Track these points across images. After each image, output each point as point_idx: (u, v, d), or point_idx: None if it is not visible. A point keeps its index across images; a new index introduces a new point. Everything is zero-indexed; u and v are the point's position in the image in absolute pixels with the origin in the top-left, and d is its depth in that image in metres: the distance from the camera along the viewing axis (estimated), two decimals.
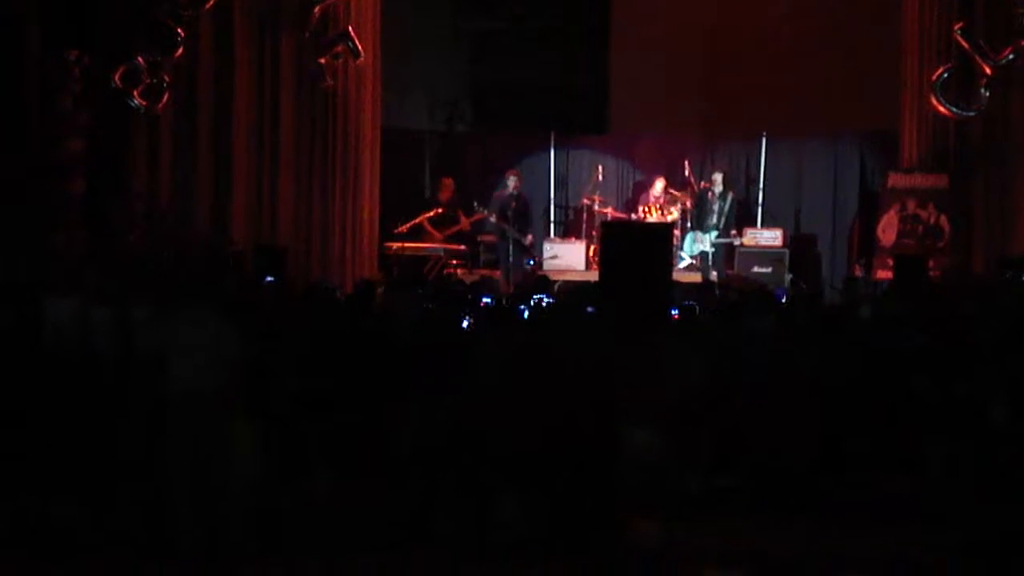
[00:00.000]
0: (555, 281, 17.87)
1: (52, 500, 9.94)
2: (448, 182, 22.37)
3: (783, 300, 15.44)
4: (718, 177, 21.97)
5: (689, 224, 21.94)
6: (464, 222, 21.88)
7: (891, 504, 10.26)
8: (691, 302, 14.71)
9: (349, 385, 10.33)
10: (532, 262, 21.81)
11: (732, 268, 21.36)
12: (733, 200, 21.80)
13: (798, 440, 10.17)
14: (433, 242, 21.50)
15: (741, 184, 23.05)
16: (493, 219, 21.80)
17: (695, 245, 21.54)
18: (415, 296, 13.23)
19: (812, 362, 11.01)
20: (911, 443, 10.42)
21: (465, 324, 11.95)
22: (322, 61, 20.40)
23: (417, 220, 21.65)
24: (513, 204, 21.89)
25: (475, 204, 21.88)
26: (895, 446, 10.48)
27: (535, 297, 14.30)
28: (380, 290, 15.60)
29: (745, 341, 11.45)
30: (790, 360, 11.03)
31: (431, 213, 21.78)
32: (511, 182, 22.05)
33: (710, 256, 21.44)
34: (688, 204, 22.01)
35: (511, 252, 21.69)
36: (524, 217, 22.20)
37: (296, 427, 9.96)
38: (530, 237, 22.11)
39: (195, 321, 9.51)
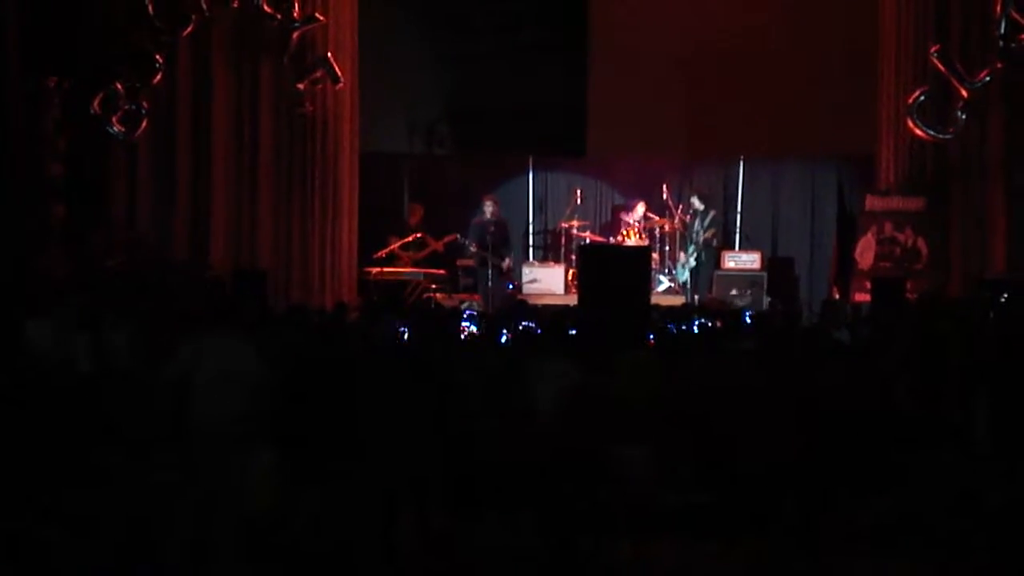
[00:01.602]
0: (535, 305, 17.89)
1: (37, 524, 9.89)
2: (416, 207, 22.37)
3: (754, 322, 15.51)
4: (695, 200, 22.02)
5: (668, 248, 22.00)
6: (434, 245, 21.87)
7: (872, 522, 10.29)
8: (670, 325, 14.74)
9: (326, 408, 10.30)
10: (512, 286, 21.80)
11: (711, 291, 21.40)
12: (714, 217, 21.85)
13: (776, 458, 10.18)
14: (407, 267, 21.50)
15: (719, 207, 23.07)
16: (473, 248, 21.78)
17: (683, 269, 21.63)
18: (392, 320, 13.23)
19: (789, 382, 11.02)
20: (892, 461, 10.44)
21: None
22: (300, 86, 20.44)
23: (389, 248, 21.64)
24: (491, 229, 21.84)
25: (459, 237, 21.85)
26: (876, 464, 10.50)
27: (520, 324, 14.21)
28: (355, 314, 15.62)
29: (722, 362, 11.48)
30: (767, 380, 11.04)
31: (409, 239, 21.77)
32: (488, 208, 22.01)
33: (691, 277, 21.53)
34: (667, 228, 22.05)
35: (490, 277, 21.69)
36: (504, 242, 22.18)
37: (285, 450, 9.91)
38: (507, 262, 22.06)
39: (222, 348, 9.44)
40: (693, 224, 21.80)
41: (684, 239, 21.84)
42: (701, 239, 21.63)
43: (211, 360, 9.32)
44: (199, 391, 9.20)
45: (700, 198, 22.06)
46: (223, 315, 10.09)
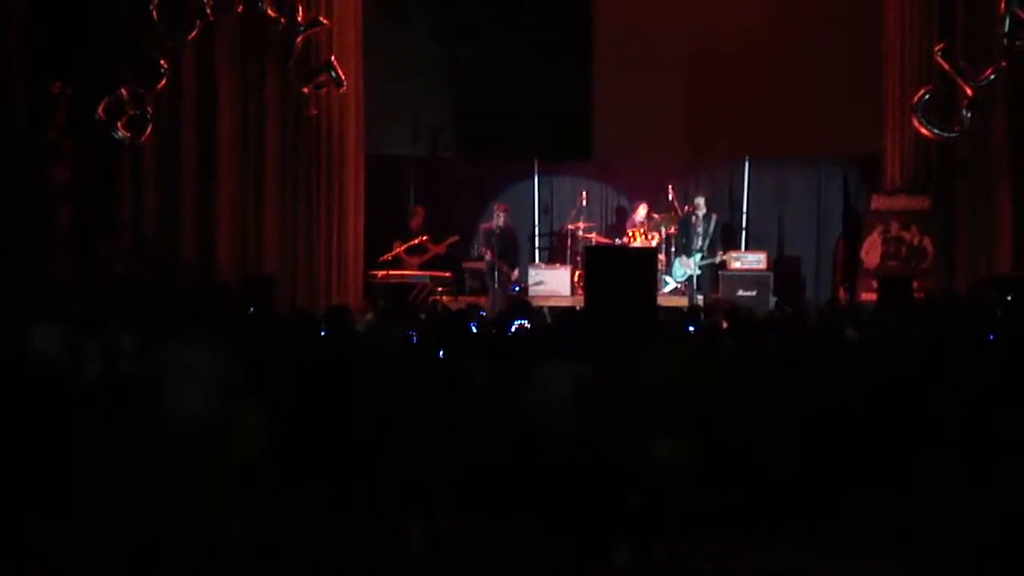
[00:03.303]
0: (539, 306, 17.86)
1: (47, 528, 9.87)
2: (419, 210, 22.36)
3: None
4: (701, 201, 21.87)
5: (674, 249, 21.93)
6: (434, 249, 21.87)
7: (884, 521, 10.29)
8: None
9: (334, 412, 10.27)
10: (518, 288, 21.79)
11: (717, 292, 21.34)
12: (717, 222, 21.73)
13: (787, 458, 10.18)
14: (412, 271, 21.52)
15: (725, 207, 23.08)
16: (488, 256, 21.70)
17: (682, 270, 21.50)
18: (401, 324, 13.19)
19: (799, 382, 11.01)
20: (903, 460, 10.43)
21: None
22: (305, 90, 20.45)
23: (395, 252, 21.65)
24: (501, 236, 21.82)
25: (481, 246, 21.82)
26: (887, 464, 10.49)
27: (516, 322, 14.20)
28: (368, 317, 15.58)
29: (729, 362, 11.46)
30: (778, 381, 11.03)
31: (414, 242, 21.77)
32: (500, 217, 22.00)
33: (695, 280, 21.42)
34: (672, 229, 22.00)
35: (497, 279, 21.67)
36: (512, 249, 22.18)
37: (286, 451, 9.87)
38: (516, 272, 22.09)
39: (193, 347, 9.43)
40: (697, 226, 21.66)
41: (688, 240, 21.65)
42: (704, 247, 21.49)
43: (178, 361, 9.31)
44: (167, 392, 9.20)
45: (705, 201, 21.92)
46: (198, 316, 10.06)
